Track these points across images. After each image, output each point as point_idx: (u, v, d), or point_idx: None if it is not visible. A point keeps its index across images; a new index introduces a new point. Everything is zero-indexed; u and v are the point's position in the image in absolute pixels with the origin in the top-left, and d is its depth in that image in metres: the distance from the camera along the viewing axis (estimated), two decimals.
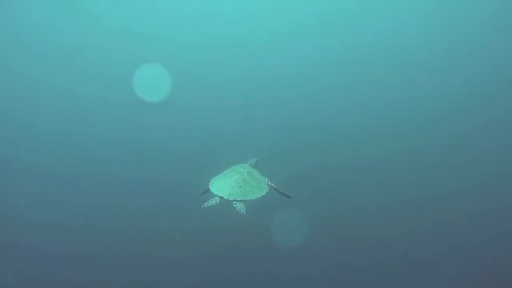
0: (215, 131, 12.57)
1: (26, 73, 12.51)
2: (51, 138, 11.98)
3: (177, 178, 10.31)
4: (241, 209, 5.13)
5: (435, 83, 12.71)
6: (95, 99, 12.81)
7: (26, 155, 11.34)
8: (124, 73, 12.66)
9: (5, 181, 10.44)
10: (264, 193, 5.34)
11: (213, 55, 13.63)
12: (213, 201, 5.24)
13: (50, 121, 12.21)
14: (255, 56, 13.72)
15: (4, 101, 12.17)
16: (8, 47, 12.14)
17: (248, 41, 13.53)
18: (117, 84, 12.88)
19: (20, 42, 12.43)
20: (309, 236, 8.71)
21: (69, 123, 12.24)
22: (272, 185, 5.69)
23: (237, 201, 5.18)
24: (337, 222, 9.43)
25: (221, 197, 5.24)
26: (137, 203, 10.27)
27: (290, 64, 13.39)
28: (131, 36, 13.48)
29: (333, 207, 9.76)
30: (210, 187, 5.42)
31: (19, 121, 11.99)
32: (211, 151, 11.20)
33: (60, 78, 12.84)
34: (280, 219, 8.55)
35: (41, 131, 12.00)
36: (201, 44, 13.73)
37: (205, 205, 5.21)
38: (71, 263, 8.69)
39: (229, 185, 5.30)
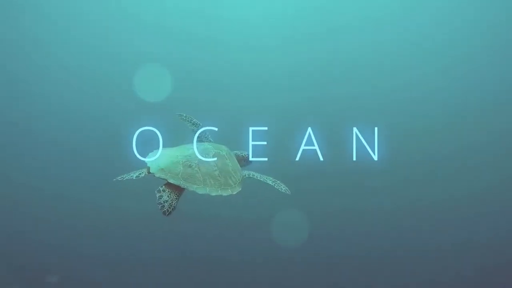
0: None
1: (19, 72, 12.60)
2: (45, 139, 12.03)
3: None
4: (166, 203, 3.01)
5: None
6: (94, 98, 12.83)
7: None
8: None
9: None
10: (226, 194, 3.31)
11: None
12: (134, 174, 3.22)
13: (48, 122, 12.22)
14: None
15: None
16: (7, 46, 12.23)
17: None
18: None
19: (17, 42, 12.54)
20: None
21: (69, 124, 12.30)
22: (257, 177, 3.82)
23: (165, 188, 3.12)
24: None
25: (149, 171, 3.25)
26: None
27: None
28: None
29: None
30: (147, 158, 3.46)
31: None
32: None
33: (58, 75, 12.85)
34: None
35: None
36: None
37: (119, 178, 3.20)
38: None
39: (173, 159, 3.29)
